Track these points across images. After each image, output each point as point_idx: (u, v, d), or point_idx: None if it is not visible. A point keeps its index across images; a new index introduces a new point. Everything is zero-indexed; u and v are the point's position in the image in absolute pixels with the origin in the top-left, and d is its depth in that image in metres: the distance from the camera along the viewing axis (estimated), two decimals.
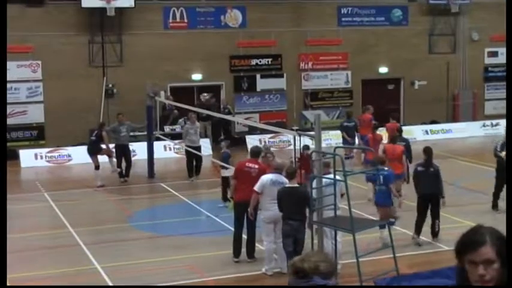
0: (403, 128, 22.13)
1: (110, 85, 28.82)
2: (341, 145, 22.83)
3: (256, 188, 13.15)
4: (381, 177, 15.07)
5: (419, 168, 15.29)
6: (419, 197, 15.16)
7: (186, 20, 29.94)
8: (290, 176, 13.05)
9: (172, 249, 15.07)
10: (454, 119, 33.70)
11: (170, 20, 29.75)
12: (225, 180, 18.32)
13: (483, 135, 31.99)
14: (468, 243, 3.45)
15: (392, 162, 16.97)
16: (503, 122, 32.36)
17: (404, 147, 18.14)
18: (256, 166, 14.17)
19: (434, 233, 15.12)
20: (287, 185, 12.94)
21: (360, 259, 11.49)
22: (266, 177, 13.25)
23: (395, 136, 18.97)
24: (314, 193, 12.33)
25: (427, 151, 15.37)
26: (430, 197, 14.93)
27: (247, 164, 14.31)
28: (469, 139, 31.24)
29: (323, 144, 13.65)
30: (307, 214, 12.55)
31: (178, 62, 29.35)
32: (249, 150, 16.83)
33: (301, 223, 12.62)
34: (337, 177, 12.34)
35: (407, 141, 19.43)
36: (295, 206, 12.56)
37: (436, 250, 14.50)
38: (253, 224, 13.83)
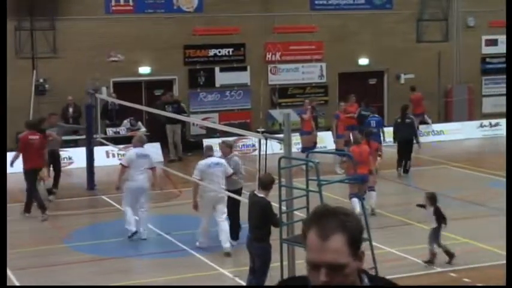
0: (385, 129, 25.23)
1: (41, 80, 28.56)
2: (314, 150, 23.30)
3: (123, 162, 17.24)
4: (374, 121, 23.70)
5: (398, 120, 24.13)
6: (398, 143, 23.73)
7: (131, 3, 29.80)
8: (262, 186, 12.93)
9: (116, 274, 14.99)
10: (447, 118, 33.96)
11: (113, 3, 29.59)
12: None
13: (481, 137, 32.27)
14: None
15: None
16: (504, 122, 32.71)
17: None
18: (37, 137, 19.38)
19: (406, 170, 23.66)
20: (255, 193, 13.01)
21: None
22: (131, 152, 17.34)
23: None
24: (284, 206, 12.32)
25: (403, 108, 24.36)
26: (406, 142, 23.60)
27: (29, 136, 19.33)
28: (465, 142, 31.46)
29: (294, 149, 13.63)
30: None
31: (123, 52, 29.21)
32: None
33: (252, 238, 12.79)
34: (311, 187, 12.32)
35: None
36: (254, 218, 12.84)
37: (429, 272, 14.68)
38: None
